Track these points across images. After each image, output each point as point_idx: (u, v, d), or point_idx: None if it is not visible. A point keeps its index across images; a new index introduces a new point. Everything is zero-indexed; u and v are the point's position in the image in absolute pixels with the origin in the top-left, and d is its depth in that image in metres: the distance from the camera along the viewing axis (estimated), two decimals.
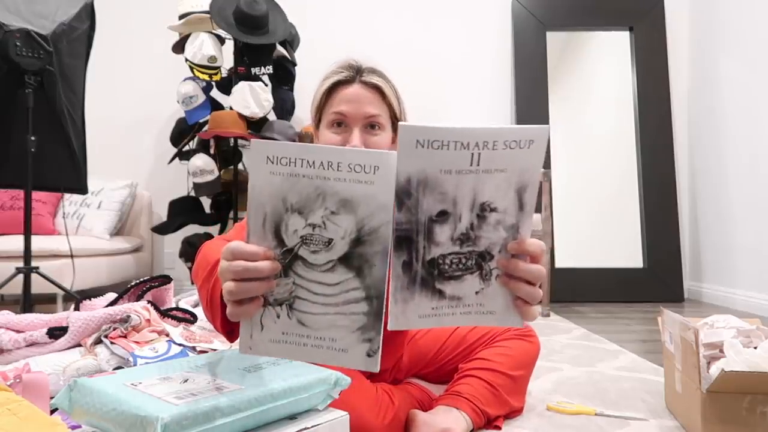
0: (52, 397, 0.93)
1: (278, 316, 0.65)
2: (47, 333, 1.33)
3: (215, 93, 3.23)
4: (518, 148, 0.61)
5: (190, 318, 1.55)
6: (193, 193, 3.15)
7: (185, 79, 3.10)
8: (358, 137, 0.96)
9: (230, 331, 0.79)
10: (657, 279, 3.37)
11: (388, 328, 0.66)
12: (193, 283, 3.16)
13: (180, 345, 1.36)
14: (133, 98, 3.68)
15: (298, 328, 0.65)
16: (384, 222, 0.62)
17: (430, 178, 0.61)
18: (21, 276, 1.98)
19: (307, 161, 0.60)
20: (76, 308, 1.50)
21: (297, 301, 0.65)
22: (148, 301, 1.49)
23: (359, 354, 0.65)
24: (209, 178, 3.04)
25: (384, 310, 0.64)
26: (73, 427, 0.85)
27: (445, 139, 0.59)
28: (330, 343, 0.65)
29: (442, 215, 0.62)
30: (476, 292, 0.65)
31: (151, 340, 1.34)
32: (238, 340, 0.69)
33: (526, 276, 0.64)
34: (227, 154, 3.25)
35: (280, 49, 3.15)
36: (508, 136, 0.60)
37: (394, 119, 1.02)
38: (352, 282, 0.63)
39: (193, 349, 1.38)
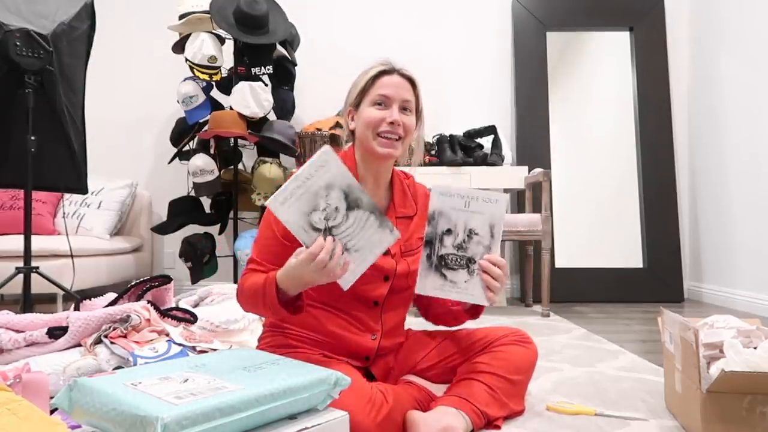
0: (52, 397, 0.93)
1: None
2: (47, 333, 1.33)
3: (215, 93, 3.23)
4: (490, 203, 1.10)
5: (190, 318, 1.55)
6: (193, 193, 3.15)
7: (185, 79, 3.10)
8: (396, 112, 1.19)
9: (296, 307, 1.09)
10: (657, 279, 3.37)
11: (416, 291, 1.12)
12: (193, 282, 3.17)
13: (180, 345, 1.36)
14: (133, 98, 3.68)
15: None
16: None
17: (444, 212, 1.11)
18: (21, 276, 1.98)
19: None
20: (76, 308, 1.50)
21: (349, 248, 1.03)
22: (148, 301, 1.49)
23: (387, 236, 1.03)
24: (209, 178, 3.04)
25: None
26: (73, 427, 0.85)
27: (452, 193, 1.11)
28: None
29: (449, 232, 1.11)
30: (465, 281, 1.11)
31: (151, 340, 1.34)
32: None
33: (492, 274, 1.10)
34: (227, 154, 3.25)
35: (280, 49, 3.15)
36: (485, 195, 1.11)
37: (417, 109, 1.26)
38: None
39: (193, 349, 1.38)
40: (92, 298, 1.53)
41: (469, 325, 1.32)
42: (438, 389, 1.23)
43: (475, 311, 1.26)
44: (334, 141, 3.20)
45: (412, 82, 1.23)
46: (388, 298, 1.22)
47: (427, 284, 1.10)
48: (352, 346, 1.20)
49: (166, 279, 1.62)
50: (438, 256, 1.10)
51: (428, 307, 1.37)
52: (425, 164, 3.22)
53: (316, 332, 1.19)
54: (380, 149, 1.18)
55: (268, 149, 3.17)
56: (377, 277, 1.19)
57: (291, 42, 3.28)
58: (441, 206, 1.10)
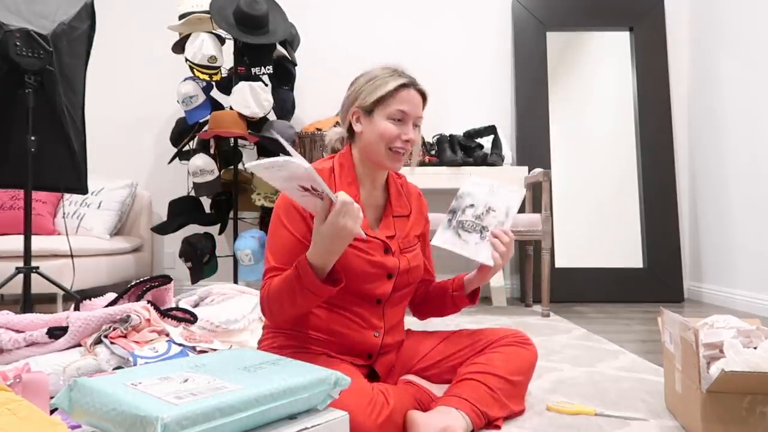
0: (52, 397, 0.93)
1: None
2: (47, 333, 1.33)
3: (215, 93, 3.23)
4: (510, 192, 1.29)
5: (190, 318, 1.55)
6: (193, 193, 3.15)
7: (185, 79, 3.10)
8: (412, 131, 1.23)
9: (334, 280, 1.08)
10: (657, 279, 3.37)
11: (432, 242, 1.29)
12: (193, 282, 3.17)
13: (180, 345, 1.36)
14: (133, 98, 3.68)
15: None
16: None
17: (472, 192, 1.31)
18: (21, 276, 1.98)
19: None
20: (76, 308, 1.50)
21: None
22: (148, 301, 1.49)
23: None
24: (209, 178, 3.04)
25: None
26: (73, 427, 0.85)
27: (482, 182, 1.32)
28: None
29: (471, 206, 1.29)
30: (476, 243, 1.26)
31: (151, 340, 1.34)
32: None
33: (501, 239, 1.23)
34: (227, 154, 3.25)
35: (280, 49, 3.15)
36: (508, 186, 1.29)
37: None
38: None
39: (193, 349, 1.38)
40: (92, 298, 1.53)
41: (469, 325, 1.32)
42: (438, 389, 1.23)
43: (473, 296, 1.32)
44: None
45: (425, 98, 1.25)
46: (390, 295, 1.23)
47: (442, 237, 1.27)
48: (356, 343, 1.20)
49: (166, 279, 1.62)
50: (458, 220, 1.28)
51: (424, 300, 1.39)
52: (425, 164, 3.22)
53: (320, 331, 1.20)
54: (390, 164, 1.22)
55: (268, 149, 3.17)
56: (381, 275, 1.20)
57: (291, 42, 3.28)
58: (470, 189, 1.31)
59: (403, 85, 1.21)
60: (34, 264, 2.04)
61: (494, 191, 1.29)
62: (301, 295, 1.05)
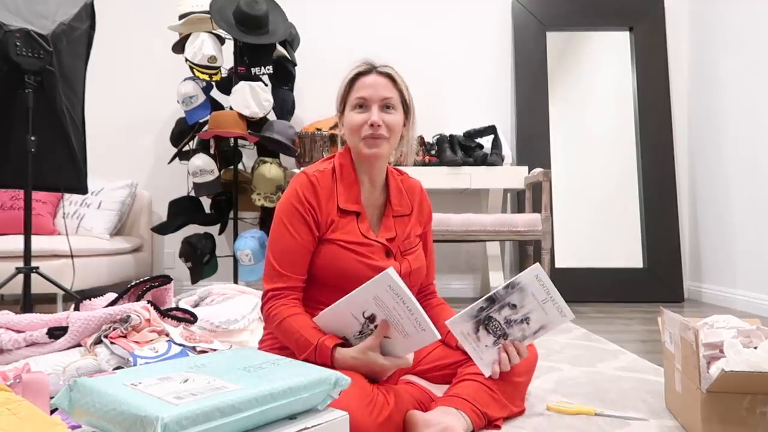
0: (52, 397, 0.93)
1: None
2: (47, 333, 1.33)
3: (215, 93, 3.23)
4: (559, 313, 1.15)
5: (190, 318, 1.55)
6: (193, 193, 3.15)
7: (185, 79, 3.10)
8: (377, 113, 1.18)
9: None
10: (657, 279, 3.37)
11: (446, 322, 1.17)
12: (193, 282, 3.17)
13: (180, 345, 1.36)
14: (133, 98, 3.68)
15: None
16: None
17: (526, 290, 1.14)
18: (21, 276, 1.98)
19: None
20: (76, 308, 1.50)
21: None
22: (148, 301, 1.49)
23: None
24: (209, 178, 3.04)
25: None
26: (73, 427, 0.85)
27: (545, 284, 1.14)
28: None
29: (513, 307, 1.16)
30: (486, 345, 1.17)
31: (151, 340, 1.34)
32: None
33: (510, 356, 1.15)
34: (227, 154, 3.25)
35: (280, 49, 3.15)
36: (562, 305, 1.15)
37: (404, 105, 1.24)
38: None
39: (193, 349, 1.38)
40: (92, 298, 1.53)
41: None
42: (438, 389, 1.23)
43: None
44: (333, 141, 3.20)
45: (391, 78, 1.22)
46: None
47: (460, 324, 1.16)
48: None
49: (166, 279, 1.62)
50: (488, 315, 1.16)
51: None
52: (425, 164, 3.22)
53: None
54: (366, 150, 1.20)
55: (268, 149, 3.17)
56: None
57: (291, 42, 3.28)
58: (528, 285, 1.14)
59: (359, 74, 1.21)
60: (34, 264, 2.04)
61: (545, 304, 1.14)
62: (303, 356, 1.09)
